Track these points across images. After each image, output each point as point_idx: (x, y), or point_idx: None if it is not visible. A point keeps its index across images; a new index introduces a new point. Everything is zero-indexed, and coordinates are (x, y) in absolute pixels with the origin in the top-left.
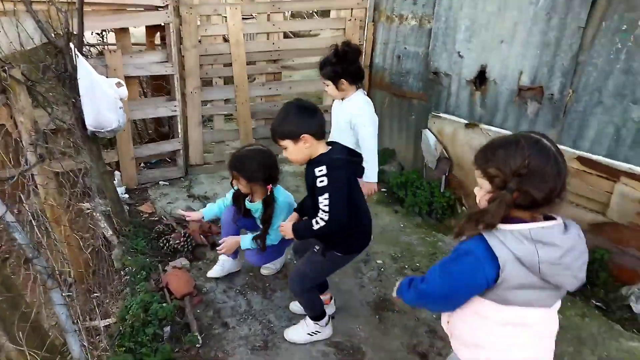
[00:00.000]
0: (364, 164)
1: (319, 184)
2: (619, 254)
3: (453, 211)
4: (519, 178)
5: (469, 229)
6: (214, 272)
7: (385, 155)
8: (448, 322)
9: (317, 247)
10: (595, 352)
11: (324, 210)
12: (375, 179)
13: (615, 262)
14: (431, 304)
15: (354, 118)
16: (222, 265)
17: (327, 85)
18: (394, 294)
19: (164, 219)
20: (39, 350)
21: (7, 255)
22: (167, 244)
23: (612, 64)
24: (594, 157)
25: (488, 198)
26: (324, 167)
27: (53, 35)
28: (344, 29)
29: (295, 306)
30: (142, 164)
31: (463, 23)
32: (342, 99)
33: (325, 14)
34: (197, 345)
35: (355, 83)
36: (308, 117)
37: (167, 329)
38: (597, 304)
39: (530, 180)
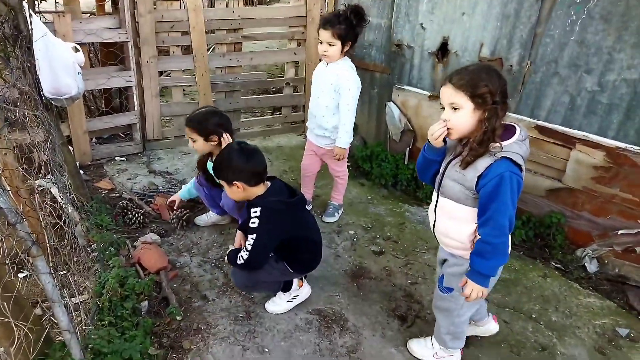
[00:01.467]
0: (339, 127)
1: (250, 224)
2: (574, 217)
3: (417, 182)
4: (502, 93)
5: (485, 151)
6: (200, 220)
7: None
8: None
9: (272, 253)
10: (559, 308)
11: (246, 249)
12: (346, 146)
13: (570, 225)
14: (506, 241)
15: (341, 80)
16: (208, 215)
17: (331, 45)
18: (469, 292)
19: (125, 194)
20: (24, 322)
21: None
22: (137, 219)
23: (567, 35)
24: (551, 125)
25: (474, 116)
26: (258, 210)
27: None
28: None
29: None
30: (93, 140)
31: None
32: (328, 64)
33: None
34: (179, 318)
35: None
36: (243, 164)
37: (145, 303)
38: (557, 265)
39: (505, 94)
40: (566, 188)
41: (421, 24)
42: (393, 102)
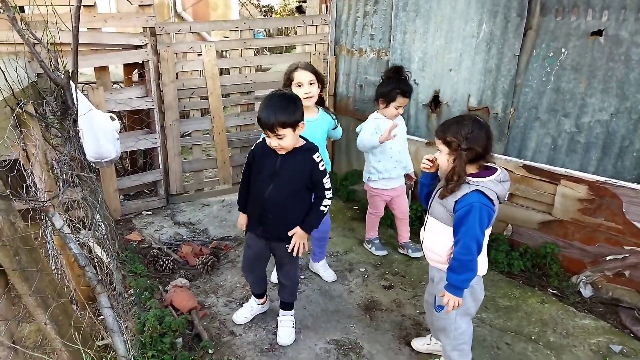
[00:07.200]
0: None
1: (320, 168)
2: (567, 247)
3: (420, 221)
4: (467, 140)
5: (455, 187)
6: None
7: (354, 176)
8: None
9: (288, 245)
10: (557, 330)
11: (328, 189)
12: None
13: (564, 254)
14: (473, 259)
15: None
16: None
17: None
18: (446, 302)
19: (155, 244)
20: (90, 350)
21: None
22: (167, 265)
23: (544, 84)
24: (537, 164)
25: (450, 159)
26: (318, 153)
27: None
28: (309, 62)
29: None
30: (121, 197)
31: (416, 55)
32: None
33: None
34: (211, 352)
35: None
36: (301, 105)
37: (180, 340)
38: (554, 292)
39: (473, 140)
40: (556, 220)
41: (414, 80)
42: None
